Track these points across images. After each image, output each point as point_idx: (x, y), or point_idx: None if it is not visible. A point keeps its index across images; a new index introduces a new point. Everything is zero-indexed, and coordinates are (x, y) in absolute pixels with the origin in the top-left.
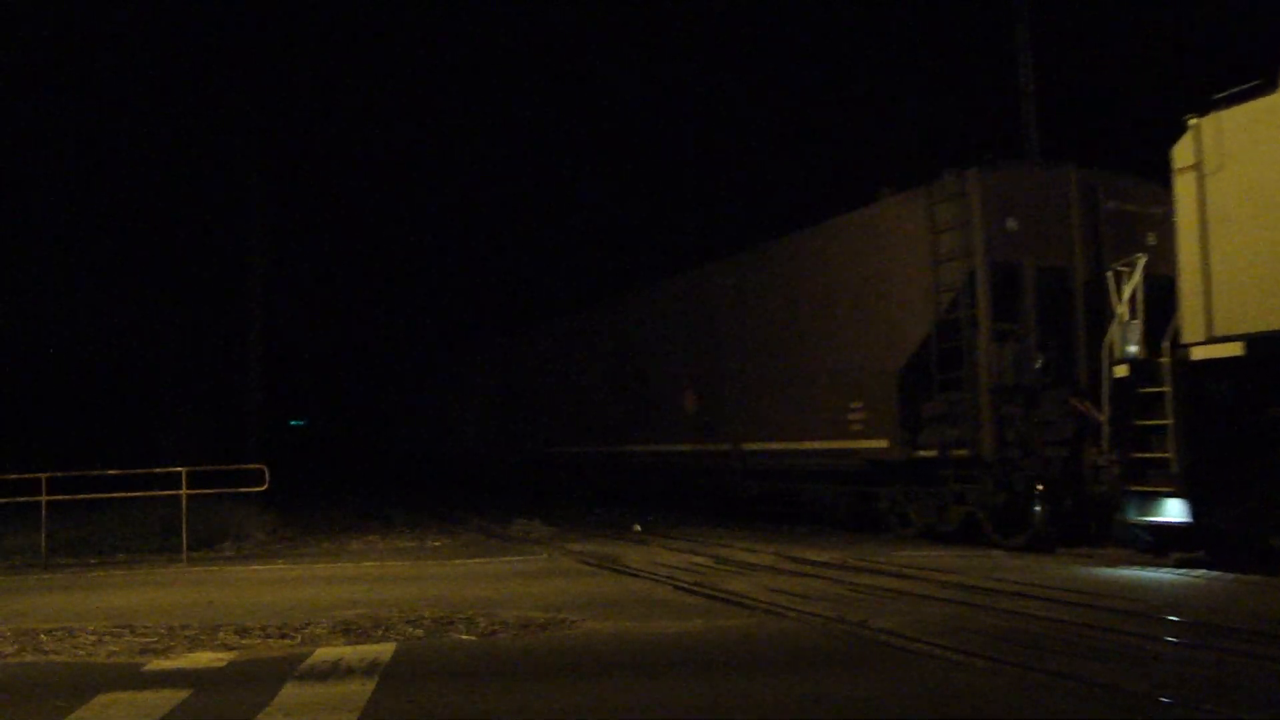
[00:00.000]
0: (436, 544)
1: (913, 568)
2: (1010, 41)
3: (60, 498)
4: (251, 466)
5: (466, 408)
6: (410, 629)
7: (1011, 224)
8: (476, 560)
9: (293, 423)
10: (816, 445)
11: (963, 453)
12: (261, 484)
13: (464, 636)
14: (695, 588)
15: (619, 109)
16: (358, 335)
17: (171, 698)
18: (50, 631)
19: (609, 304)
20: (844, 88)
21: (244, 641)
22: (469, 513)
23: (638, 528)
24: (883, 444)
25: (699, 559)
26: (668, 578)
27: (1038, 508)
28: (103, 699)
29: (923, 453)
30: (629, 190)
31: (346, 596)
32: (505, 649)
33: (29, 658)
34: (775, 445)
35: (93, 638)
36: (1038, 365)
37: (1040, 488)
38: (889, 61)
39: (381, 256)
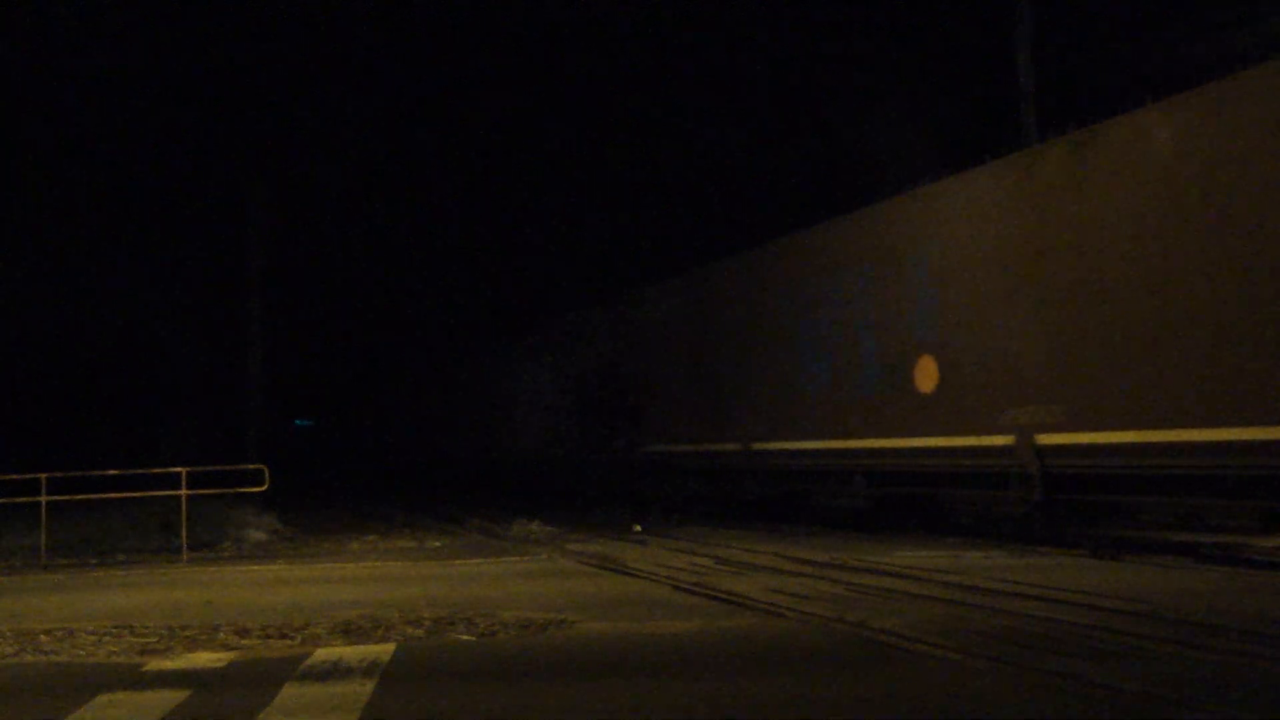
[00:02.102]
0: (437, 544)
1: (913, 568)
2: (1011, 43)
3: (60, 498)
4: (252, 467)
5: (516, 401)
6: (410, 629)
7: None
8: (477, 560)
9: (298, 423)
10: (1207, 436)
11: None
12: (262, 484)
13: (464, 637)
14: (695, 588)
15: (617, 104)
16: (368, 333)
17: (171, 698)
18: (50, 631)
19: (762, 251)
20: (842, 87)
21: (244, 642)
22: (469, 513)
23: (638, 528)
24: None
25: (699, 559)
26: (668, 578)
27: None
28: (102, 699)
29: None
30: (631, 185)
31: (346, 597)
32: (505, 649)
33: (29, 658)
34: (1116, 437)
35: (93, 638)
36: None
37: None
38: (888, 61)
39: (392, 251)
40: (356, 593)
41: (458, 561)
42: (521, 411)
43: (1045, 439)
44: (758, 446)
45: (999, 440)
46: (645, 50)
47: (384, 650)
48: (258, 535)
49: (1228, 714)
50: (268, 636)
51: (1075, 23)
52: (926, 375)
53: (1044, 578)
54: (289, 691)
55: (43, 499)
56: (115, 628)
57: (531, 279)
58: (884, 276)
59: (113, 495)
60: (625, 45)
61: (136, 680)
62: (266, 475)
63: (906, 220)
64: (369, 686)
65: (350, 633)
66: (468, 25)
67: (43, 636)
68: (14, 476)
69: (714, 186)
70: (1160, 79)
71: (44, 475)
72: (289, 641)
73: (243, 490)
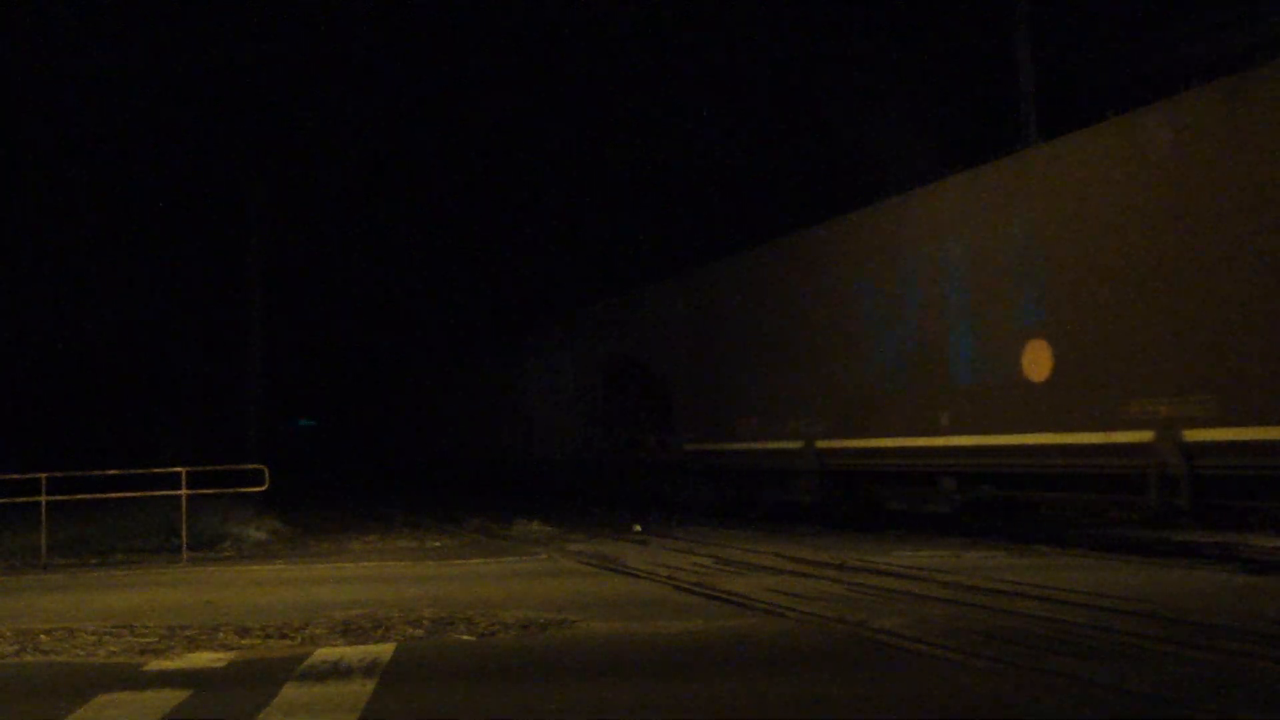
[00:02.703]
0: (437, 544)
1: (913, 568)
2: (1011, 43)
3: (60, 498)
4: (252, 467)
5: (525, 400)
6: (410, 629)
7: None
8: (477, 560)
9: (301, 423)
10: None
11: None
12: (261, 484)
13: (464, 636)
14: (695, 588)
15: (617, 104)
16: (369, 333)
17: (171, 698)
18: (50, 631)
19: (825, 230)
20: (842, 87)
21: (244, 642)
22: (470, 513)
23: (638, 528)
24: None
25: (699, 559)
26: (668, 578)
27: None
28: (102, 699)
29: None
30: (631, 185)
31: (346, 597)
32: (505, 649)
33: (29, 658)
34: None
35: (92, 638)
36: None
37: None
38: (888, 61)
39: (393, 251)
40: (356, 593)
41: (458, 561)
42: (532, 411)
43: (1194, 435)
44: (822, 445)
45: (1133, 436)
46: (645, 50)
47: (384, 650)
48: (258, 535)
49: (1228, 714)
50: (268, 636)
51: (1075, 23)
52: (1037, 362)
53: (1044, 578)
54: (289, 691)
55: (43, 499)
56: (115, 628)
57: (532, 279)
58: (980, 252)
59: (113, 495)
60: (625, 45)
61: (136, 680)
62: (266, 475)
63: (1007, 188)
64: (369, 686)
65: (350, 633)
66: (468, 25)
67: (43, 636)
68: (14, 476)
69: (713, 186)
70: (1160, 79)
71: (44, 475)
72: (289, 641)
73: (243, 490)
